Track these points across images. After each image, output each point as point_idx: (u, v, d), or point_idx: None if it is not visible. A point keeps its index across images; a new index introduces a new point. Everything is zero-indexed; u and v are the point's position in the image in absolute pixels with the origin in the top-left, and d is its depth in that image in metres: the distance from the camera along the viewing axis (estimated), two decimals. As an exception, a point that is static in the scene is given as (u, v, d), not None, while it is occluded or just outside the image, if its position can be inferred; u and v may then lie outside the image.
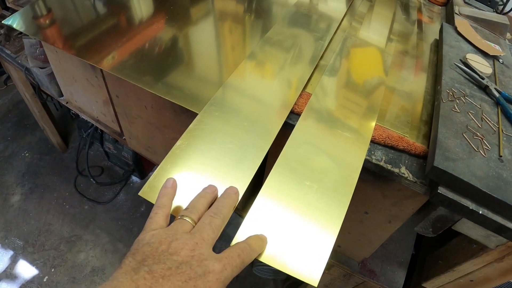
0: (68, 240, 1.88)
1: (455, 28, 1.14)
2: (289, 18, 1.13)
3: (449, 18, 1.31)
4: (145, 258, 0.46)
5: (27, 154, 2.21)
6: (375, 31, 1.18)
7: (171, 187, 0.58)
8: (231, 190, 0.59)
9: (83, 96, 1.29)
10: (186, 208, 0.55)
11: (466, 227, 0.81)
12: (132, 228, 1.96)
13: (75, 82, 1.23)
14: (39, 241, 1.87)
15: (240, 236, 0.57)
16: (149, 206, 2.01)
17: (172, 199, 0.57)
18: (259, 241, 0.55)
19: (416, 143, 0.80)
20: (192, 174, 0.63)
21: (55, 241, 1.87)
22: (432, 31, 1.27)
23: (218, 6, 1.22)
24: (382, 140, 0.79)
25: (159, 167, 0.63)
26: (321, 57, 0.99)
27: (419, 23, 1.30)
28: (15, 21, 0.98)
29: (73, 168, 2.12)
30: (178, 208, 0.58)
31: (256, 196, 0.63)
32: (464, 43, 1.08)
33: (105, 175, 2.19)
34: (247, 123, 0.73)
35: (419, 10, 1.39)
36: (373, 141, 0.79)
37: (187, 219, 0.52)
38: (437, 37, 1.21)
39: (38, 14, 1.03)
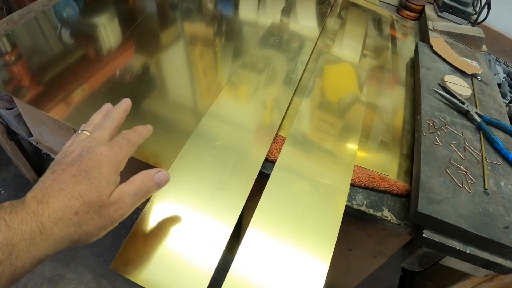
0: (51, 279, 1.81)
1: (431, 47, 1.11)
2: (261, 41, 1.10)
3: (423, 34, 1.28)
4: (50, 167, 0.53)
5: (2, 191, 2.14)
6: (348, 47, 1.16)
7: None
8: (123, 100, 0.66)
9: (52, 138, 1.24)
10: (83, 125, 0.61)
11: (454, 262, 0.80)
12: (115, 263, 1.89)
13: (43, 124, 1.19)
14: (21, 282, 1.80)
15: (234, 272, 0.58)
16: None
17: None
18: (144, 127, 0.64)
19: (398, 182, 0.77)
20: (167, 242, 0.60)
21: (38, 281, 1.80)
22: (406, 47, 1.25)
23: (188, 30, 1.19)
24: (362, 182, 0.76)
25: (126, 241, 0.59)
26: (296, 92, 0.95)
27: (393, 39, 1.28)
28: None
29: (51, 202, 2.05)
30: None
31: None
32: (441, 62, 1.06)
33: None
34: (218, 179, 0.69)
35: (392, 26, 1.36)
36: (353, 185, 0.76)
37: (83, 132, 0.58)
38: (412, 54, 1.19)
39: (2, 60, 0.98)
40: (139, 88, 0.90)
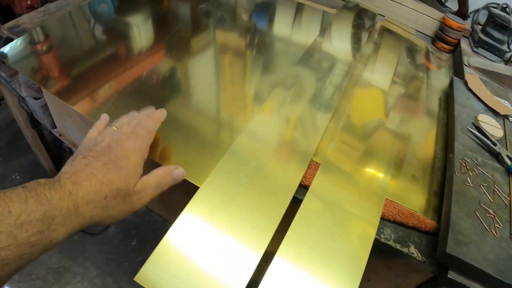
0: (56, 271, 1.81)
1: (466, 84, 1.10)
2: (299, 62, 1.09)
3: (458, 68, 1.28)
4: (79, 152, 0.59)
5: (18, 177, 2.15)
6: (379, 73, 1.16)
7: (104, 118, 0.72)
8: (150, 107, 0.74)
9: (77, 133, 1.24)
10: (112, 122, 0.69)
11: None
12: (122, 263, 1.88)
13: (69, 118, 1.19)
14: (25, 270, 1.80)
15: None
16: (141, 241, 1.97)
17: (105, 124, 0.71)
18: (159, 111, 0.73)
19: (426, 220, 0.76)
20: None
21: (43, 271, 1.81)
22: (439, 79, 1.24)
23: (220, 38, 1.20)
24: (392, 216, 0.75)
25: (152, 255, 0.58)
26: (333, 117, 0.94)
27: (426, 69, 1.27)
28: (7, 54, 0.95)
29: (64, 196, 2.06)
30: None
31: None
32: (474, 100, 1.05)
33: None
34: (250, 202, 0.68)
35: (426, 56, 1.35)
36: (382, 218, 0.75)
37: (113, 127, 0.65)
38: (445, 87, 1.18)
39: (32, 48, 0.99)
40: (165, 91, 0.92)
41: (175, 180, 0.66)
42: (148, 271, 0.55)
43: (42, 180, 0.51)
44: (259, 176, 0.73)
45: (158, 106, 0.83)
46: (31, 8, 1.53)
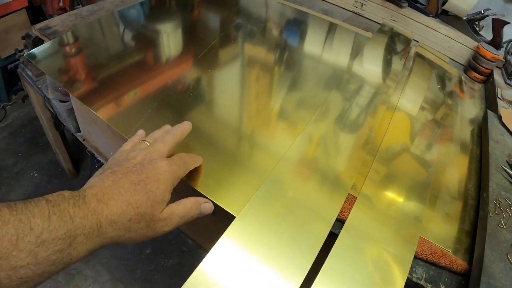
0: (68, 272, 1.82)
1: (500, 118, 1.08)
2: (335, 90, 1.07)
3: (491, 100, 1.25)
4: (109, 166, 0.58)
5: (36, 175, 2.16)
6: (409, 99, 1.14)
7: (141, 134, 0.72)
8: (184, 122, 0.73)
9: (102, 139, 1.24)
10: (145, 137, 0.69)
11: None
12: (135, 270, 1.87)
13: (95, 125, 1.19)
14: (37, 269, 1.81)
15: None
16: (155, 249, 1.96)
17: (139, 139, 0.68)
18: (195, 156, 0.72)
19: (458, 260, 0.74)
20: None
21: (55, 272, 1.82)
22: (470, 110, 1.22)
23: (248, 51, 1.21)
24: (425, 256, 0.73)
25: (188, 280, 0.57)
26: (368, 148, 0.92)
27: (458, 97, 1.25)
28: (37, 56, 0.96)
29: (81, 197, 2.06)
30: None
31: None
32: (509, 137, 1.03)
33: (113, 208, 2.11)
34: (287, 234, 0.66)
35: (459, 85, 1.33)
36: (415, 257, 0.73)
37: (144, 141, 0.65)
38: (476, 117, 1.17)
39: (62, 53, 1.00)
40: (190, 102, 0.92)
41: (202, 213, 0.65)
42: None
43: (66, 193, 0.50)
44: (297, 207, 0.71)
45: (183, 117, 0.86)
46: (63, 10, 1.55)
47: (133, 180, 0.55)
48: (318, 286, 0.61)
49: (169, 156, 0.64)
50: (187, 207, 0.62)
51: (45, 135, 1.96)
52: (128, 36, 1.14)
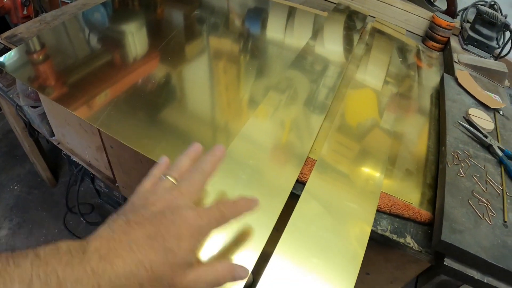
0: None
1: (456, 80, 1.13)
2: (292, 64, 1.12)
3: (448, 66, 1.30)
4: (125, 212, 0.47)
5: (16, 187, 2.16)
6: (372, 73, 1.18)
7: (163, 163, 0.59)
8: (217, 147, 0.58)
9: (76, 140, 1.26)
10: (169, 168, 0.56)
11: (470, 291, 0.80)
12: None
13: (67, 125, 1.20)
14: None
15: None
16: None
17: (162, 171, 0.56)
18: (249, 201, 0.55)
19: (421, 211, 0.78)
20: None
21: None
22: (431, 78, 1.27)
23: (213, 44, 1.22)
24: (387, 208, 0.77)
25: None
26: (327, 117, 0.97)
27: (417, 67, 1.30)
28: (5, 62, 0.97)
29: (63, 204, 2.05)
30: None
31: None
32: (465, 95, 1.07)
33: (95, 213, 2.12)
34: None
35: (417, 55, 1.38)
36: (378, 210, 0.77)
37: (168, 178, 0.52)
38: (436, 85, 1.21)
39: (30, 56, 1.01)
40: (160, 98, 0.92)
41: (233, 280, 0.51)
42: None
43: (63, 245, 0.40)
44: (258, 173, 0.75)
45: (154, 112, 0.87)
46: (27, 18, 1.55)
47: (149, 234, 0.44)
48: (283, 244, 0.65)
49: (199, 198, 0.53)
50: (219, 273, 0.49)
51: (21, 147, 1.96)
52: (94, 39, 1.15)
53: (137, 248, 0.42)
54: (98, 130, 1.03)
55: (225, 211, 0.50)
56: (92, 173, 1.83)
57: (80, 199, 1.96)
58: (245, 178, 0.73)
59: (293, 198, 0.73)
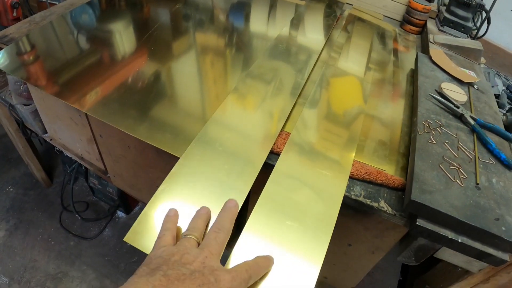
0: (54, 276, 1.85)
1: (430, 58, 1.16)
2: (269, 52, 1.15)
3: (425, 47, 1.34)
4: (159, 266, 0.48)
5: (11, 189, 2.18)
6: (354, 60, 1.21)
7: (174, 215, 0.61)
8: (231, 204, 0.63)
9: (67, 134, 1.29)
10: (188, 229, 0.58)
11: (448, 254, 0.83)
12: (118, 264, 1.93)
13: (58, 120, 1.24)
14: (24, 278, 1.83)
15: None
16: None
17: (176, 224, 0.60)
18: (267, 260, 0.59)
19: (394, 177, 0.82)
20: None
21: (41, 278, 1.84)
22: (408, 60, 1.30)
23: (200, 40, 1.24)
24: (360, 175, 0.81)
25: (142, 212, 0.64)
26: (302, 89, 1.01)
27: (395, 52, 1.33)
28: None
29: (58, 203, 2.09)
30: (178, 230, 0.60)
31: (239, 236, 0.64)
32: (439, 72, 1.11)
33: (90, 210, 2.15)
34: (228, 166, 0.74)
35: (395, 40, 1.42)
36: (351, 177, 0.81)
37: (191, 237, 0.55)
38: (413, 66, 1.24)
39: (21, 53, 1.04)
40: (150, 94, 0.95)
41: None
42: (133, 235, 0.63)
43: None
44: (235, 145, 0.80)
45: (144, 108, 0.89)
46: (17, 20, 1.58)
47: None
48: (260, 207, 0.69)
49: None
50: None
51: (15, 150, 1.99)
52: (82, 38, 1.16)
53: None
54: (88, 121, 1.06)
55: (252, 274, 0.54)
56: (85, 168, 1.87)
57: (75, 198, 2.00)
58: (221, 149, 0.78)
59: (268, 168, 0.77)
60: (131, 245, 0.61)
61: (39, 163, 2.06)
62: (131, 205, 2.13)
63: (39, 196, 2.18)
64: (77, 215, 2.02)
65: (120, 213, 2.17)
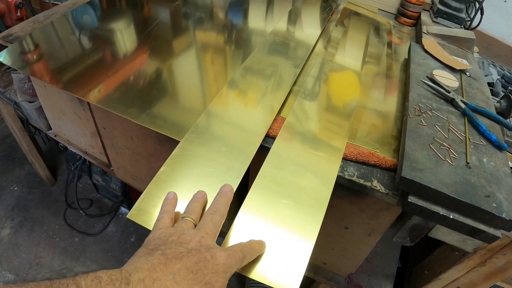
0: (59, 272, 1.88)
1: (423, 47, 1.19)
2: (267, 47, 1.18)
3: (418, 38, 1.37)
4: (158, 246, 0.50)
5: (16, 188, 2.21)
6: (350, 55, 1.24)
7: (172, 198, 0.64)
8: (226, 188, 0.66)
9: (71, 129, 1.32)
10: (185, 212, 0.60)
11: (442, 233, 0.85)
12: (122, 259, 1.96)
13: (63, 116, 1.26)
14: (30, 274, 1.86)
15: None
16: (139, 237, 2.05)
17: (175, 207, 0.63)
18: (259, 244, 0.61)
19: (386, 157, 0.84)
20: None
21: (46, 274, 1.87)
22: (402, 51, 1.33)
23: (200, 38, 1.26)
24: (353, 156, 0.84)
25: (145, 191, 0.68)
26: (297, 82, 1.04)
27: (390, 44, 1.36)
28: (3, 56, 1.03)
29: (62, 201, 2.14)
30: (176, 214, 0.63)
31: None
32: (431, 60, 1.14)
33: (94, 207, 2.19)
34: (225, 148, 0.78)
35: (390, 32, 1.45)
36: (345, 158, 0.84)
37: (188, 219, 0.58)
38: (406, 55, 1.27)
39: (26, 49, 1.07)
40: (152, 91, 0.97)
41: None
42: (137, 212, 0.67)
43: (104, 276, 0.43)
44: (233, 128, 0.84)
45: (146, 105, 0.92)
46: (21, 19, 1.61)
47: (190, 267, 0.48)
48: (256, 187, 0.72)
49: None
50: None
51: (19, 150, 2.03)
52: (84, 37, 1.17)
53: (181, 279, 0.46)
54: (92, 114, 1.09)
55: (246, 254, 0.56)
56: (88, 165, 1.90)
57: (79, 195, 2.03)
58: (220, 133, 0.82)
59: (264, 151, 0.81)
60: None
61: (43, 161, 2.09)
62: (134, 200, 2.14)
63: (43, 194, 2.21)
64: (81, 212, 2.05)
65: (123, 209, 2.21)
